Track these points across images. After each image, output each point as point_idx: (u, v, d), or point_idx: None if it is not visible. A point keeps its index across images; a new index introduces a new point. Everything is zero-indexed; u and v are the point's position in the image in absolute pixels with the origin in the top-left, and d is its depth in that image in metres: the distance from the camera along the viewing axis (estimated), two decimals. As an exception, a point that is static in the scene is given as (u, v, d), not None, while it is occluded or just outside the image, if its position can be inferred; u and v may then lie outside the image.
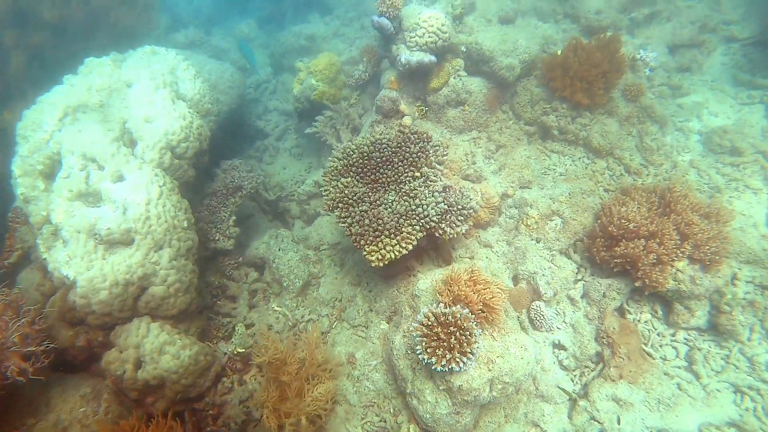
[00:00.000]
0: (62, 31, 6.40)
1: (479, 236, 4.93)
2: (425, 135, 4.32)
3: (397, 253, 3.82)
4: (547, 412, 4.00)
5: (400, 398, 4.07)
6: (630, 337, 4.16)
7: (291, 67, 8.22)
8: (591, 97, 5.29)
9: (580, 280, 4.56)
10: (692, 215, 4.18)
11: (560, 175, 5.29)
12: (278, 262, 5.28)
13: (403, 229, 3.88)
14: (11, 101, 6.06)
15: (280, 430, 3.80)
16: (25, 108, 4.82)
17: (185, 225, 4.46)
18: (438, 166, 4.28)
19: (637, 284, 4.18)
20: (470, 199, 4.13)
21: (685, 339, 4.25)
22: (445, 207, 4.02)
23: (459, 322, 3.21)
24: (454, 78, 5.49)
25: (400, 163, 4.23)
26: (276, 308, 5.16)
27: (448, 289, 3.53)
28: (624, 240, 4.24)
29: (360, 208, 4.04)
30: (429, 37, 5.09)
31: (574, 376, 4.20)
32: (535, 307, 4.35)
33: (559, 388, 4.05)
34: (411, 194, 4.05)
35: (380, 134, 4.36)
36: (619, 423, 3.83)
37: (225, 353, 4.80)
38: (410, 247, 3.86)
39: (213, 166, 5.78)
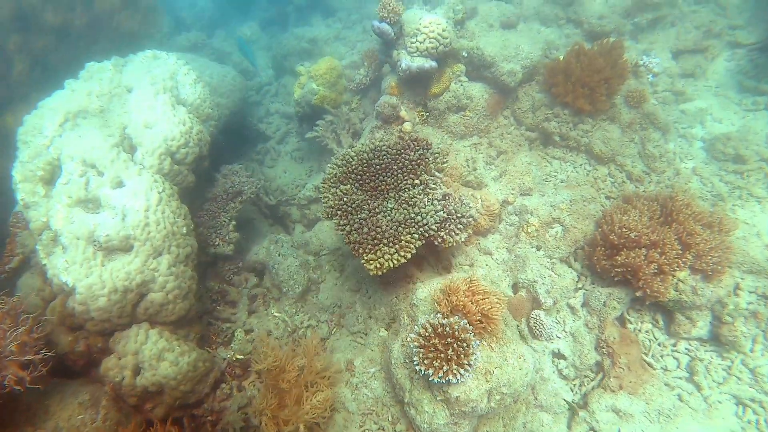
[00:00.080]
0: (65, 36, 6.42)
1: (479, 243, 4.90)
2: (425, 142, 4.30)
3: (395, 262, 3.80)
4: (546, 422, 3.97)
5: (399, 406, 4.06)
6: (630, 347, 4.13)
7: (293, 69, 8.22)
8: (593, 103, 5.25)
9: (580, 288, 4.53)
10: (694, 225, 4.14)
11: (561, 182, 5.26)
12: (278, 267, 5.28)
13: (401, 237, 3.86)
14: (14, 105, 6.09)
15: (278, 438, 3.80)
16: (28, 112, 4.84)
17: (184, 231, 4.46)
18: (437, 174, 4.26)
19: (638, 294, 4.15)
20: (469, 207, 4.11)
21: (686, 349, 4.21)
22: (444, 215, 4.00)
23: (456, 333, 3.19)
24: (455, 83, 5.46)
25: (399, 171, 4.21)
26: (275, 314, 5.16)
27: (447, 299, 3.51)
28: (625, 249, 4.20)
29: (359, 215, 4.02)
30: (430, 42, 5.07)
31: (574, 385, 4.17)
32: (535, 316, 4.32)
33: (564, 401, 4.02)
34: (410, 202, 4.03)
35: (380, 141, 4.34)
36: (618, 434, 3.80)
37: (224, 359, 4.80)
38: (409, 255, 3.84)
39: (213, 170, 5.78)
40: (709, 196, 5.02)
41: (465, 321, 3.31)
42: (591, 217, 4.79)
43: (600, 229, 4.48)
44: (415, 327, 3.40)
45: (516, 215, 4.95)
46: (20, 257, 4.60)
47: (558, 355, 4.29)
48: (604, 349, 4.16)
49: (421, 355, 3.25)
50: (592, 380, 4.14)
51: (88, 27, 6.67)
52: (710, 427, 3.80)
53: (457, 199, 4.15)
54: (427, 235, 3.94)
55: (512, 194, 5.13)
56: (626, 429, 3.81)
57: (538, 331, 4.30)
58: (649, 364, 4.12)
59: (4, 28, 5.89)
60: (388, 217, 3.99)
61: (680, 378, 4.08)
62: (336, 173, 4.30)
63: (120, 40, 7.08)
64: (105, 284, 3.91)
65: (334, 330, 4.94)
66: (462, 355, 3.15)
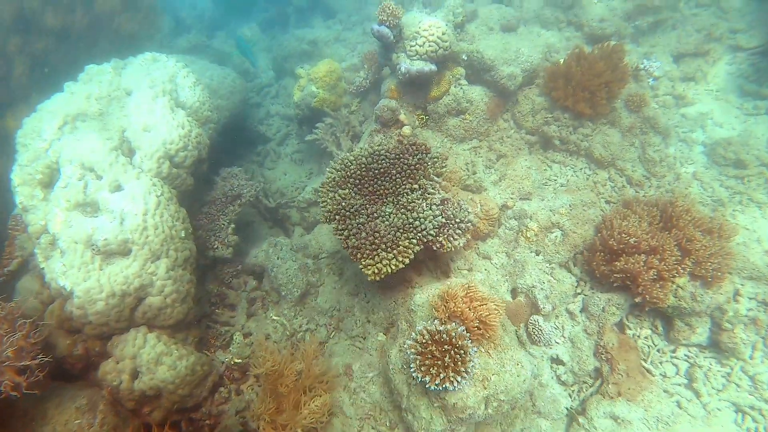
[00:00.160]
0: (65, 38, 6.43)
1: (478, 248, 4.89)
2: (423, 146, 4.29)
3: (393, 267, 3.79)
4: (544, 429, 3.96)
5: (396, 411, 4.05)
6: (629, 353, 4.11)
7: (293, 71, 8.21)
8: (593, 107, 5.23)
9: (579, 293, 4.52)
10: (694, 231, 4.12)
11: (561, 186, 5.24)
12: (277, 271, 5.27)
13: (399, 242, 3.85)
14: (15, 107, 6.10)
15: (275, 443, 3.79)
16: (28, 115, 4.85)
17: (183, 235, 4.46)
18: (436, 179, 4.25)
19: (637, 300, 4.13)
20: (468, 213, 4.10)
21: (685, 356, 4.20)
22: (443, 220, 3.99)
23: (454, 340, 3.18)
24: (455, 86, 5.45)
25: (398, 175, 4.20)
26: (274, 317, 5.15)
27: (444, 305, 3.50)
28: (624, 254, 4.19)
29: (357, 220, 4.01)
30: (429, 46, 5.05)
31: (572, 391, 4.16)
32: (533, 322, 4.31)
33: (566, 409, 4.02)
34: (408, 207, 4.02)
35: (378, 145, 4.33)
36: (616, 441, 3.79)
37: (223, 362, 4.80)
38: (407, 261, 3.83)
39: (213, 172, 5.78)
40: (709, 201, 5.00)
41: (462, 327, 3.30)
42: (591, 222, 4.78)
43: (599, 234, 4.46)
44: (413, 333, 3.39)
45: (515, 219, 4.93)
46: (19, 260, 4.60)
47: (556, 360, 4.28)
48: (602, 355, 4.15)
49: (418, 362, 3.24)
50: (590, 386, 4.13)
51: (89, 29, 6.68)
52: (709, 434, 3.79)
53: (455, 204, 4.14)
54: (425, 240, 3.93)
55: (511, 198, 5.11)
56: (624, 436, 3.80)
57: (536, 337, 4.29)
58: (648, 371, 4.11)
59: (5, 30, 5.89)
60: (387, 222, 3.98)
61: (679, 385, 4.07)
62: (334, 177, 4.29)
63: (120, 41, 7.08)
64: (103, 288, 3.91)
65: (333, 334, 4.93)
66: (459, 362, 3.14)
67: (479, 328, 3.41)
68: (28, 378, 3.02)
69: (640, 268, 4.04)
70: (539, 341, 4.29)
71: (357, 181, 4.25)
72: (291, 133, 7.93)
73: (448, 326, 3.27)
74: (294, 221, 6.43)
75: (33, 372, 3.08)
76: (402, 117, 5.34)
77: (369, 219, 4.01)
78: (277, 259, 5.41)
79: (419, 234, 3.91)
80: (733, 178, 5.10)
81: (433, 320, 3.48)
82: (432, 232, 3.91)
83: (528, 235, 4.75)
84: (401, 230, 3.92)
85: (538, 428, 3.94)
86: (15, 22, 5.95)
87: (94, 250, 3.99)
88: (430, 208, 3.99)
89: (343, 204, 4.09)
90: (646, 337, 4.28)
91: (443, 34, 5.07)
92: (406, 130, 5.23)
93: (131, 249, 4.08)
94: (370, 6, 8.97)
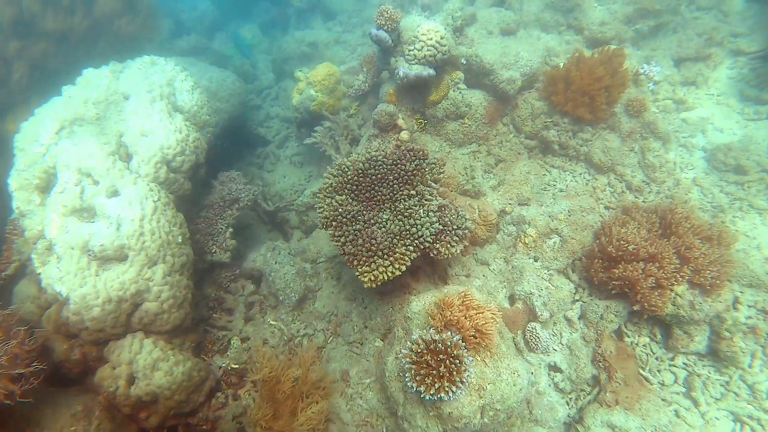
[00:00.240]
0: (65, 41, 6.43)
1: (476, 254, 4.87)
2: (421, 152, 4.27)
3: (390, 275, 3.77)
4: (541, 437, 3.94)
5: (393, 418, 4.03)
6: (627, 361, 4.09)
7: (293, 73, 8.21)
8: (593, 111, 5.20)
9: (577, 300, 4.49)
10: (693, 238, 4.09)
11: (560, 191, 5.21)
12: (275, 275, 5.26)
13: (396, 249, 3.84)
14: (14, 111, 6.10)
15: (271, 450, 3.79)
16: (26, 119, 4.85)
17: (180, 240, 4.45)
18: (433, 185, 4.23)
19: (635, 308, 4.11)
20: (466, 219, 4.08)
21: (684, 364, 4.17)
22: (440, 227, 3.97)
23: (449, 349, 3.16)
24: (454, 91, 5.42)
25: (395, 181, 4.18)
26: (272, 322, 5.14)
27: (441, 314, 3.49)
28: (623, 262, 4.16)
29: (354, 227, 4.00)
30: (428, 50, 5.03)
31: (570, 399, 4.14)
32: (531, 329, 4.28)
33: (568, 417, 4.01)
34: (405, 213, 4.00)
35: (376, 151, 4.31)
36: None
37: (220, 367, 4.80)
38: (403, 268, 3.81)
39: (211, 176, 5.77)
40: (709, 207, 4.97)
41: (458, 336, 3.28)
42: (589, 228, 4.75)
43: (598, 241, 4.43)
44: (408, 343, 3.37)
45: (514, 225, 4.91)
46: (17, 264, 4.60)
47: (554, 368, 4.26)
48: (600, 363, 4.13)
49: (413, 372, 3.23)
50: (588, 394, 4.11)
51: (88, 32, 6.67)
52: (707, 443, 3.76)
53: (453, 211, 4.12)
54: (422, 247, 3.91)
55: (510, 204, 5.09)
56: (622, 445, 3.78)
57: (534, 344, 4.27)
58: (646, 379, 4.08)
59: (4, 33, 5.89)
60: (383, 229, 3.96)
61: (677, 393, 4.04)
62: (331, 183, 4.28)
63: (120, 44, 7.08)
64: (99, 294, 3.91)
65: (331, 339, 4.92)
66: (454, 372, 3.12)
67: (475, 337, 3.39)
68: (22, 386, 3.01)
69: (638, 275, 4.02)
70: (537, 348, 4.26)
71: (354, 186, 4.23)
72: (291, 135, 7.91)
73: (444, 335, 3.25)
74: (293, 224, 6.42)
75: (28, 380, 3.07)
76: (400, 122, 5.32)
77: (366, 225, 3.99)
78: (275, 263, 5.40)
79: (416, 241, 3.89)
80: (734, 184, 5.06)
81: (429, 328, 3.46)
82: (429, 239, 3.89)
83: (526, 241, 4.73)
84: (398, 237, 3.90)
85: (535, 436, 3.92)
86: (14, 25, 5.95)
87: (90, 255, 3.99)
88: (428, 215, 3.98)
89: (340, 210, 4.08)
90: (644, 345, 4.25)
91: (442, 38, 5.05)
92: (404, 135, 5.21)
93: (128, 255, 4.08)
94: (371, 8, 8.95)
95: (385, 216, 4.06)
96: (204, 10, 10.98)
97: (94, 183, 4.25)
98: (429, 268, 4.78)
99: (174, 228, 4.41)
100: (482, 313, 3.46)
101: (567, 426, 4.01)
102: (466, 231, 4.05)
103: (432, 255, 4.01)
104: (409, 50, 5.10)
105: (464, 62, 5.45)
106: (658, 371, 4.15)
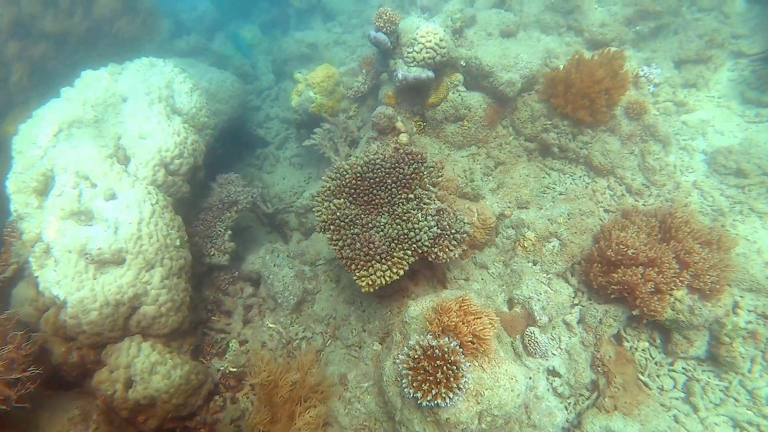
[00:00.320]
0: (64, 42, 6.42)
1: (475, 257, 4.85)
2: (419, 156, 4.25)
3: (387, 279, 3.76)
4: (539, 442, 3.93)
5: (391, 422, 4.02)
6: (626, 366, 4.07)
7: (293, 74, 8.19)
8: (593, 114, 5.17)
9: (576, 304, 4.47)
10: (693, 243, 4.07)
11: (560, 194, 5.19)
12: (273, 278, 5.25)
13: (394, 254, 3.82)
14: (13, 112, 6.10)
15: (268, 455, 3.78)
16: (25, 121, 4.84)
17: (178, 243, 4.44)
18: (432, 188, 4.21)
19: (634, 312, 4.09)
20: (464, 223, 4.06)
21: (683, 369, 4.15)
22: (438, 231, 3.96)
23: (446, 355, 3.15)
24: (453, 93, 5.41)
25: (393, 185, 4.16)
26: (270, 325, 5.13)
27: (438, 319, 3.47)
28: (622, 266, 4.14)
29: (352, 231, 3.98)
30: (427, 52, 5.01)
31: (568, 404, 4.12)
32: (530, 333, 4.27)
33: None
34: (404, 217, 3.99)
35: (374, 154, 4.30)
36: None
37: (218, 370, 4.79)
38: (401, 272, 3.80)
39: (210, 177, 5.76)
40: (709, 211, 4.94)
41: (456, 342, 3.26)
42: (589, 232, 4.73)
43: (597, 245, 4.41)
44: (405, 348, 3.36)
45: (513, 229, 4.89)
46: (15, 267, 4.60)
47: (553, 372, 4.24)
48: (599, 368, 4.11)
49: (410, 378, 3.21)
50: (586, 399, 4.09)
51: (88, 33, 6.67)
52: (706, 449, 3.74)
53: (451, 214, 4.10)
54: (420, 251, 3.90)
55: (509, 207, 5.07)
56: (620, 450, 3.76)
57: (532, 349, 4.25)
58: (645, 384, 4.07)
59: (3, 35, 5.89)
60: (381, 233, 3.95)
61: (676, 398, 4.02)
62: (330, 186, 4.26)
63: (119, 45, 7.08)
64: (96, 298, 3.90)
65: (329, 342, 4.91)
66: (452, 378, 3.11)
67: (473, 343, 3.38)
68: (18, 391, 3.00)
69: (637, 280, 4.00)
70: (535, 353, 4.25)
71: (352, 190, 4.22)
72: (290, 136, 7.90)
73: (441, 341, 3.24)
74: (292, 226, 6.40)
75: (24, 384, 3.06)
76: (399, 124, 5.30)
77: (364, 229, 3.98)
78: (274, 266, 5.39)
79: (414, 245, 3.88)
80: (734, 188, 5.03)
81: (427, 334, 3.45)
82: (427, 243, 3.88)
83: (525, 245, 4.71)
84: (396, 241, 3.89)
85: (533, 441, 3.90)
86: (14, 26, 5.94)
87: (87, 259, 3.99)
88: (426, 219, 3.96)
89: (338, 214, 4.06)
90: (643, 350, 4.23)
91: (441, 40, 5.03)
92: (403, 138, 5.19)
93: (125, 258, 4.07)
94: (371, 9, 8.93)
95: (383, 220, 4.05)
96: (204, 10, 10.97)
97: (91, 186, 4.25)
98: (428, 271, 4.76)
99: (172, 231, 4.40)
100: (480, 318, 3.44)
101: (565, 431, 4.00)
102: (465, 235, 4.04)
103: (430, 259, 4.00)
104: (408, 52, 5.08)
105: (464, 64, 5.44)
106: (658, 376, 4.13)
